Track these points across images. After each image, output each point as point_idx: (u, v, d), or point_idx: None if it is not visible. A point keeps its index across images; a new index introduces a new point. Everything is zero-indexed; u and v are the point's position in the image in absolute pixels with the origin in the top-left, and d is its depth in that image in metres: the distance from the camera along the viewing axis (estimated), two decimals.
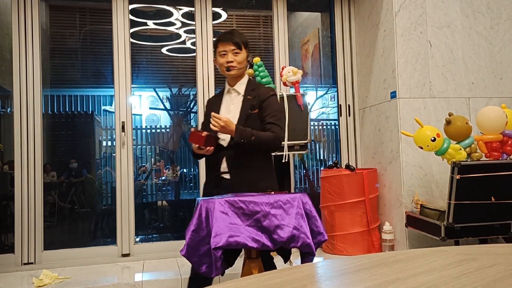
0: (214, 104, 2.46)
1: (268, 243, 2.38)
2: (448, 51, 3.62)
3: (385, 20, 3.70)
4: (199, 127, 2.64)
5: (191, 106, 4.68)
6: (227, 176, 2.33)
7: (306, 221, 2.50)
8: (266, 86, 2.55)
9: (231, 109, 2.37)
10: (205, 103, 2.55)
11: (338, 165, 3.82)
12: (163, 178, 4.60)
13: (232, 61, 2.32)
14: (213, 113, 2.21)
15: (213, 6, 4.04)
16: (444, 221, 2.82)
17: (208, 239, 2.31)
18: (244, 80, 2.43)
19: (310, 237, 2.45)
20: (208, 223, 2.38)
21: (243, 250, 2.68)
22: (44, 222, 3.60)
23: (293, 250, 2.67)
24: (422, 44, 3.58)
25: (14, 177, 3.54)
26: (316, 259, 2.66)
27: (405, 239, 3.46)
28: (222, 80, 4.35)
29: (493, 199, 2.79)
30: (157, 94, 4.68)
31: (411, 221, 3.26)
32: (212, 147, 2.25)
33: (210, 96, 4.00)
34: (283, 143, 2.97)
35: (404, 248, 3.47)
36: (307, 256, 2.48)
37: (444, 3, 3.63)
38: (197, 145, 2.22)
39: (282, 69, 3.16)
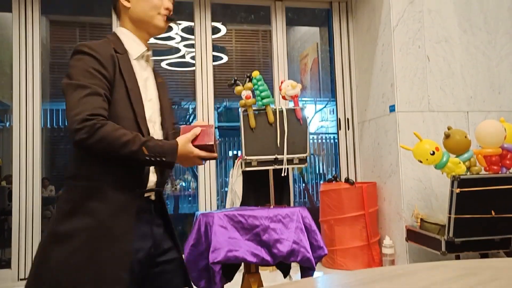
0: (125, 69, 1.38)
1: (268, 258, 2.37)
2: (446, 65, 3.65)
3: (383, 35, 3.73)
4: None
5: (190, 120, 4.69)
6: (153, 196, 1.44)
7: (306, 235, 2.49)
8: None
9: (147, 87, 1.47)
10: (88, 52, 1.31)
11: (338, 179, 3.81)
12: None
13: (171, 10, 1.48)
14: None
15: (212, 21, 4.08)
16: (445, 235, 2.80)
17: (207, 253, 2.29)
18: None
19: (310, 252, 2.44)
20: (207, 237, 2.37)
21: (242, 264, 2.66)
22: (42, 237, 3.57)
23: (292, 264, 2.65)
24: (420, 58, 3.61)
25: (12, 192, 3.52)
26: (316, 274, 2.64)
27: (405, 253, 3.43)
28: (222, 94, 4.37)
29: (493, 213, 2.78)
30: None
31: (411, 235, 3.24)
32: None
33: (209, 110, 3.99)
34: (279, 156, 2.97)
35: (404, 262, 3.45)
36: (307, 271, 2.46)
37: (442, 18, 3.66)
38: (207, 155, 1.35)
39: (281, 83, 3.17)
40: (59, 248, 1.24)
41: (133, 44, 1.44)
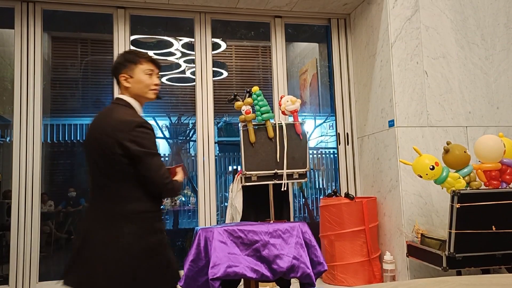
0: None
1: (268, 273, 2.35)
2: (445, 81, 3.67)
3: (381, 51, 3.76)
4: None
5: (190, 135, 4.70)
6: None
7: (306, 250, 2.48)
8: None
9: None
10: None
11: (338, 194, 3.80)
12: (162, 207, 4.57)
13: (159, 84, 2.01)
14: None
15: (212, 37, 4.12)
16: (446, 250, 2.79)
17: (207, 269, 2.28)
18: None
19: (310, 267, 2.42)
20: (207, 253, 2.35)
21: (242, 280, 2.64)
22: (40, 252, 3.55)
23: (292, 280, 2.63)
24: (418, 74, 3.64)
25: (11, 207, 3.51)
26: None
27: (406, 269, 3.41)
28: (222, 109, 4.39)
29: (494, 228, 2.77)
30: (157, 122, 4.71)
31: (412, 250, 3.22)
32: None
33: (209, 125, 4.02)
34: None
35: (405, 278, 3.42)
36: (307, 287, 2.44)
37: (439, 34, 3.70)
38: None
39: (281, 98, 3.20)
40: (150, 258, 1.82)
41: (139, 110, 1.97)
